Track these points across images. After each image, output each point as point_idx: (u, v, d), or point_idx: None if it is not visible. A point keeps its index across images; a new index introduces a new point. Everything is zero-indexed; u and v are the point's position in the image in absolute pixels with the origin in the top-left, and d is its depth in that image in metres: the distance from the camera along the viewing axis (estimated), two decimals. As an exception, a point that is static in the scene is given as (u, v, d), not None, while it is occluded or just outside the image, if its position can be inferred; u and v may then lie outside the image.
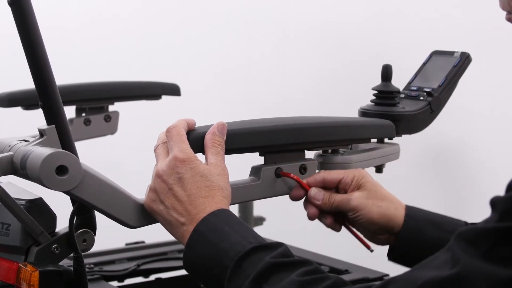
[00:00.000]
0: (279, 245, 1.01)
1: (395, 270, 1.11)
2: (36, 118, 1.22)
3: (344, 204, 1.21)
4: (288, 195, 1.25)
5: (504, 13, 1.08)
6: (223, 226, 1.03)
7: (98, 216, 1.13)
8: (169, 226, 1.08)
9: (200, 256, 1.03)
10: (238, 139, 1.17)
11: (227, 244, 1.01)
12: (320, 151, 1.31)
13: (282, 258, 0.98)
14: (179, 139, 1.10)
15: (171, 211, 1.07)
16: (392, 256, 1.24)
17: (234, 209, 1.91)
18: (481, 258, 0.82)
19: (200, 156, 1.16)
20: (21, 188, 1.16)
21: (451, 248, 0.86)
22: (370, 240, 1.26)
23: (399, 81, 1.51)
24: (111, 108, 1.76)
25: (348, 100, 1.92)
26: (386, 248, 1.28)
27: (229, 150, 1.16)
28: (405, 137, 1.48)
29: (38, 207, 1.12)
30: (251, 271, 0.97)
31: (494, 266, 0.82)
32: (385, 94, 1.47)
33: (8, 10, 1.04)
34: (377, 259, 1.39)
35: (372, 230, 1.22)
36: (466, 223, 1.23)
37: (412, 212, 1.22)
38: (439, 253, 0.89)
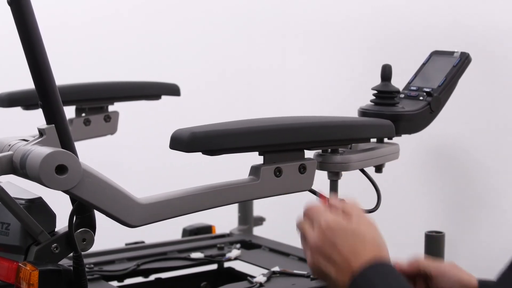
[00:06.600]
0: None
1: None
2: (36, 118, 1.22)
3: (430, 268, 1.24)
4: (287, 195, 1.25)
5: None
6: (378, 282, 1.07)
7: (98, 216, 1.13)
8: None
9: None
10: (238, 139, 1.17)
11: None
12: (320, 151, 1.31)
13: None
14: (321, 211, 1.14)
15: (339, 277, 1.10)
16: None
17: (234, 208, 1.91)
18: None
19: (198, 155, 1.16)
20: (21, 188, 1.16)
21: None
22: None
23: (399, 81, 1.51)
24: (111, 108, 1.76)
25: (348, 100, 1.92)
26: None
27: (228, 150, 1.16)
28: (404, 137, 1.48)
29: (37, 206, 1.12)
30: None
31: None
32: (385, 94, 1.47)
33: (8, 10, 1.04)
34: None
35: None
36: None
37: (484, 281, 1.25)
38: (506, 272, 0.93)
